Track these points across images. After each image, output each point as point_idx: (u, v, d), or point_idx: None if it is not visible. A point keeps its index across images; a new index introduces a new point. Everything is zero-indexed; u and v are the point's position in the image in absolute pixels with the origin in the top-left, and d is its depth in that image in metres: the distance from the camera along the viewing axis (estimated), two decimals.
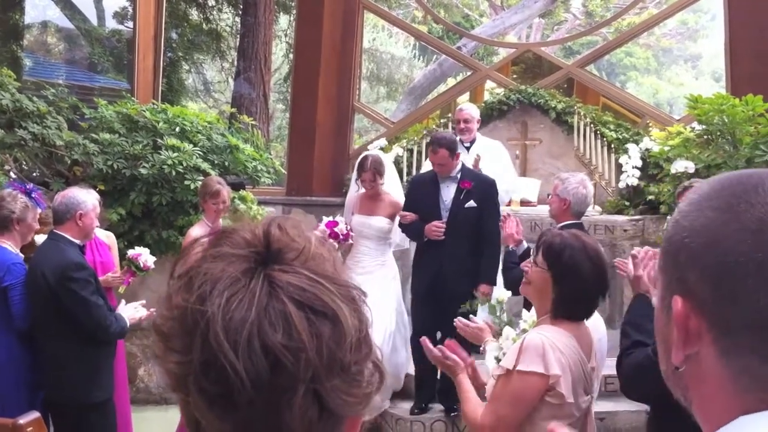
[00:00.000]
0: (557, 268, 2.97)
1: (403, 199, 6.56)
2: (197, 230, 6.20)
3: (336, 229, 6.25)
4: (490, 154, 7.22)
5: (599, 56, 10.55)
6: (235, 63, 15.23)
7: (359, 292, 1.00)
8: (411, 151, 9.33)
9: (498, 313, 3.98)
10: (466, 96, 11.02)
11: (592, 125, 8.75)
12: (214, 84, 18.34)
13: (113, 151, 7.36)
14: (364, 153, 6.57)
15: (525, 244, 5.32)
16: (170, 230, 7.23)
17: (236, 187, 7.45)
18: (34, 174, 7.93)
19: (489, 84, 10.90)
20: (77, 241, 4.63)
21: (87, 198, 4.69)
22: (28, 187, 5.28)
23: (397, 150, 9.40)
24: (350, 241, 6.42)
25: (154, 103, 8.29)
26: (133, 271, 5.63)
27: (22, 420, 3.63)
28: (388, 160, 6.61)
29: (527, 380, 2.79)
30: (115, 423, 4.75)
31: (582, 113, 8.85)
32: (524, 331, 3.35)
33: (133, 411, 5.99)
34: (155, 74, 10.06)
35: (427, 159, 8.60)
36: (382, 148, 9.69)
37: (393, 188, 6.70)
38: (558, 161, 9.10)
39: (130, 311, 4.80)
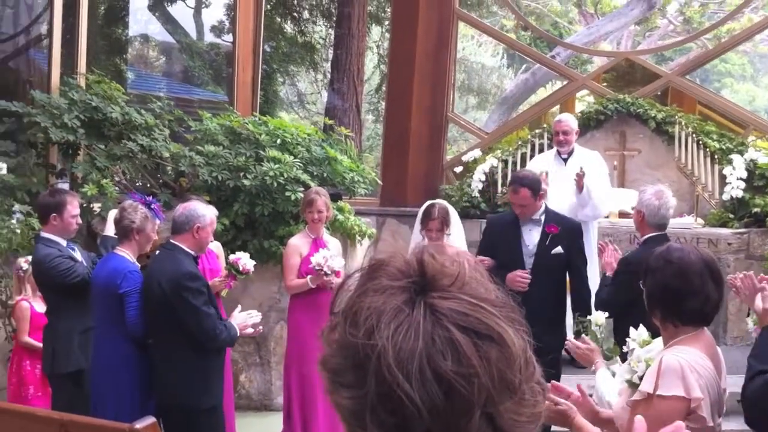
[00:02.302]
0: (645, 275, 2.98)
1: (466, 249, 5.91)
2: (297, 240, 6.35)
3: None
4: (588, 165, 7.13)
5: (700, 64, 10.28)
6: (328, 74, 15.47)
7: (518, 311, 1.02)
8: (506, 162, 9.30)
9: (599, 336, 3.93)
10: (557, 106, 10.92)
11: (693, 135, 8.56)
12: (306, 95, 18.65)
13: (217, 162, 7.58)
14: (430, 201, 6.05)
15: None
16: (271, 240, 7.39)
17: (334, 198, 7.57)
18: (138, 184, 8.24)
19: (579, 93, 10.76)
20: (192, 252, 4.79)
21: (206, 212, 4.86)
22: (148, 199, 5.50)
23: (492, 161, 9.37)
24: None
25: (256, 116, 8.50)
26: (234, 275, 5.80)
27: (138, 425, 3.77)
28: (454, 210, 6.12)
29: (669, 405, 2.71)
30: (223, 428, 4.88)
31: (683, 123, 8.66)
32: (634, 350, 3.30)
33: (235, 416, 6.16)
34: (254, 87, 10.33)
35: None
36: (476, 159, 9.69)
37: (458, 240, 6.00)
38: (657, 172, 8.91)
39: (243, 317, 4.94)
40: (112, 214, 5.34)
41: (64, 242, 5.41)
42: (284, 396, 6.45)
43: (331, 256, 6.09)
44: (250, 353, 7.60)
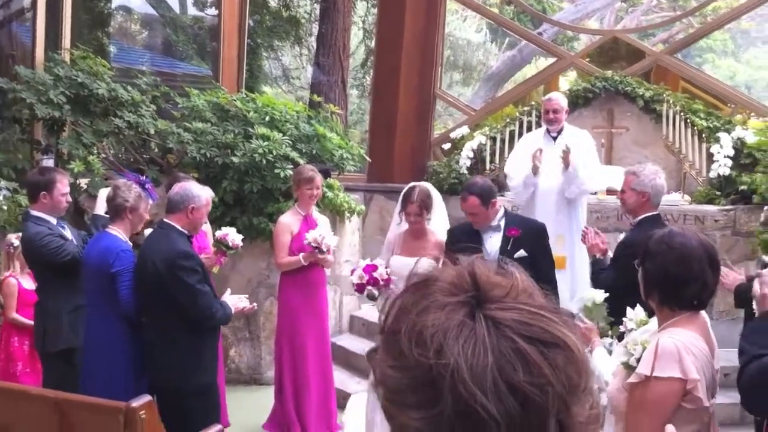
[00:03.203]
0: (644, 257, 3.00)
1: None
2: (288, 217, 6.35)
3: (375, 274, 5.47)
4: (577, 143, 7.14)
5: (688, 43, 10.29)
6: (313, 49, 15.34)
7: (571, 316, 1.03)
8: (494, 139, 9.30)
9: (594, 315, 3.95)
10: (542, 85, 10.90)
11: (681, 113, 8.59)
12: (291, 70, 18.51)
13: (206, 139, 7.53)
14: (411, 184, 5.77)
15: (610, 254, 5.24)
16: (260, 217, 7.39)
17: (323, 174, 7.55)
18: (124, 160, 8.17)
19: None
20: (186, 231, 4.77)
21: (201, 193, 4.84)
22: (141, 178, 5.46)
23: (480, 138, 9.37)
24: (392, 287, 5.46)
25: (244, 93, 8.44)
26: (223, 251, 5.82)
27: (135, 403, 3.78)
28: (437, 193, 5.85)
29: (665, 386, 2.75)
30: (218, 405, 4.90)
31: (671, 101, 8.69)
32: (632, 330, 3.32)
33: (226, 391, 6.18)
34: (239, 62, 10.25)
35: (512, 150, 8.58)
36: (464, 136, 9.69)
37: (440, 226, 5.79)
38: (645, 149, 8.96)
39: (234, 300, 4.93)
40: (103, 192, 5.30)
41: (54, 220, 5.37)
42: (275, 371, 6.48)
43: (326, 233, 6.10)
44: (239, 328, 7.62)
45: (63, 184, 5.40)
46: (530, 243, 5.28)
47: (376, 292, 5.49)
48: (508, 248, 5.19)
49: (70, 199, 5.58)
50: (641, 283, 3.03)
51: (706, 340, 2.89)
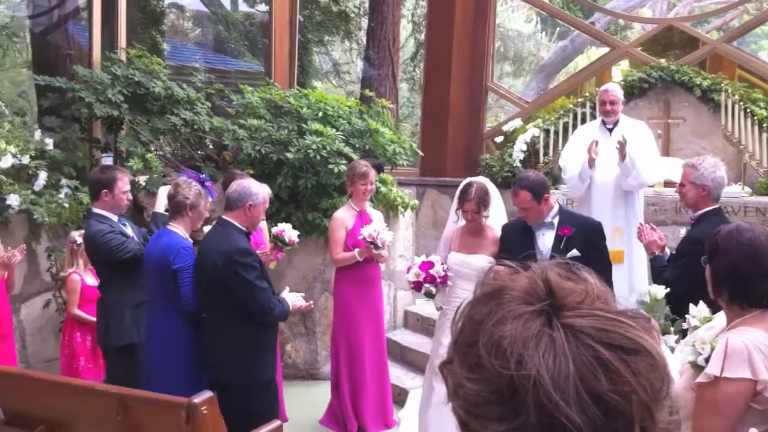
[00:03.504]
0: (712, 254, 2.93)
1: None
2: (342, 213, 6.37)
3: (432, 272, 5.41)
4: (633, 135, 7.02)
5: (747, 30, 10.05)
6: (362, 43, 15.35)
7: (648, 319, 1.01)
8: (547, 131, 9.20)
9: (657, 311, 3.87)
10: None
11: (740, 102, 8.39)
12: (341, 65, 18.56)
13: (260, 136, 7.59)
14: (468, 179, 5.66)
15: (667, 250, 5.13)
16: (315, 212, 7.42)
17: (377, 169, 7.56)
18: (180, 157, 8.29)
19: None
20: (244, 228, 4.81)
21: (259, 190, 4.88)
22: (201, 176, 5.53)
23: (533, 130, 9.29)
24: (449, 284, 5.50)
25: (297, 89, 8.48)
26: (280, 247, 5.87)
27: (197, 399, 3.82)
28: (494, 189, 5.71)
29: (735, 387, 2.68)
30: (277, 401, 4.93)
31: (729, 90, 8.50)
32: (695, 327, 3.26)
33: (283, 386, 6.23)
34: (291, 58, 10.30)
35: (566, 142, 8.47)
36: (516, 129, 9.61)
37: (498, 222, 5.69)
38: (703, 140, 8.78)
39: (293, 298, 4.97)
40: (164, 191, 5.38)
41: (115, 218, 5.47)
42: (332, 367, 6.52)
43: (381, 229, 6.11)
44: (295, 323, 7.67)
45: (124, 182, 5.49)
46: (584, 242, 5.06)
47: (433, 290, 5.45)
48: (561, 247, 5.01)
49: (131, 197, 5.68)
50: (709, 281, 2.96)
51: None
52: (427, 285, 5.41)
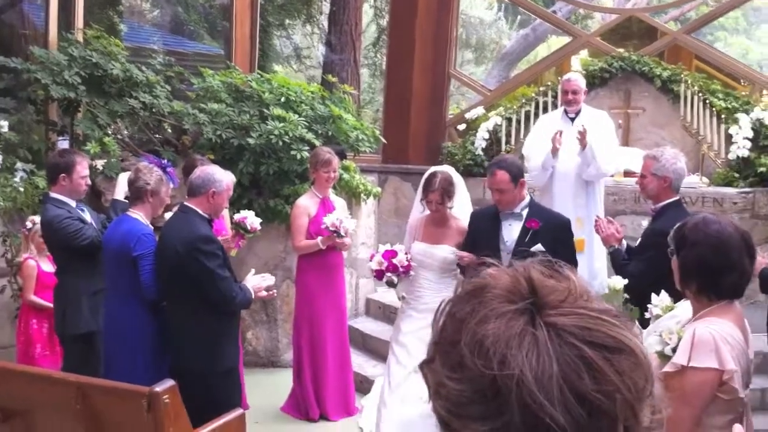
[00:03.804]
0: (679, 246, 2.96)
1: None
2: (305, 200, 6.32)
3: (395, 261, 5.33)
4: (594, 124, 7.08)
5: (708, 21, 10.16)
6: (324, 28, 15.24)
7: (630, 318, 1.01)
8: (509, 119, 9.23)
9: (615, 303, 3.91)
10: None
11: (699, 94, 8.50)
12: (302, 49, 18.42)
13: (221, 121, 7.48)
14: (433, 169, 5.57)
15: (625, 242, 5.14)
16: (277, 199, 7.35)
17: (339, 156, 7.51)
18: (139, 141, 8.14)
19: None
20: (206, 215, 4.74)
21: (223, 178, 4.81)
22: (163, 162, 5.43)
23: (496, 119, 9.31)
24: (411, 273, 5.43)
25: (259, 74, 8.37)
26: (242, 234, 5.80)
27: (158, 388, 3.77)
28: (459, 178, 5.65)
29: (702, 376, 2.73)
30: (239, 390, 4.88)
31: (689, 81, 8.60)
32: (657, 316, 3.29)
33: (244, 373, 6.17)
34: (252, 41, 10.16)
35: (528, 131, 8.50)
36: (479, 117, 9.62)
37: (463, 211, 5.65)
38: (662, 131, 8.89)
39: (257, 280, 4.91)
40: (123, 177, 5.28)
41: (73, 203, 5.36)
42: (294, 354, 6.49)
43: (344, 217, 6.08)
44: (256, 311, 7.61)
45: (83, 167, 5.38)
46: (551, 238, 4.95)
47: (395, 279, 5.40)
48: (526, 240, 4.95)
49: (89, 182, 5.57)
50: (677, 272, 2.99)
51: (740, 329, 2.87)
52: (389, 274, 5.37)
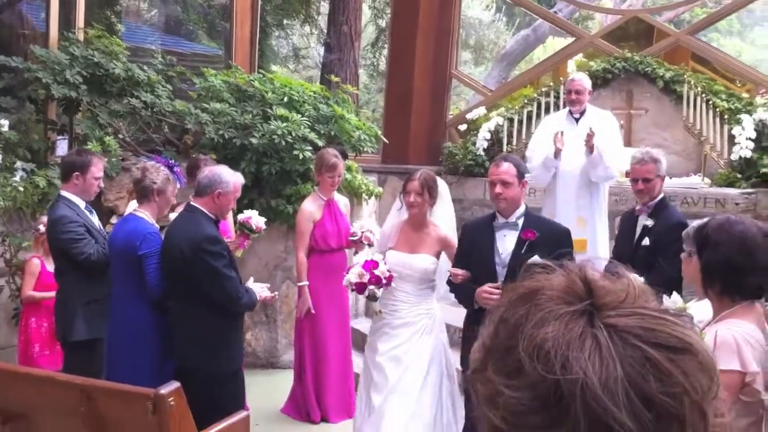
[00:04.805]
0: (702, 246, 2.93)
1: (454, 237, 5.18)
2: (310, 205, 6.23)
3: (377, 272, 4.87)
4: (600, 125, 7.04)
5: (712, 22, 10.14)
6: (324, 28, 15.20)
7: (691, 317, 0.97)
8: (511, 120, 9.20)
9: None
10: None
11: (702, 95, 8.48)
12: (300, 49, 18.39)
13: (223, 120, 7.44)
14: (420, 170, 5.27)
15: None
16: (279, 199, 7.30)
17: (342, 156, 7.48)
18: (139, 141, 8.09)
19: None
20: (212, 216, 4.69)
21: (230, 179, 4.76)
22: (170, 162, 5.39)
23: (497, 119, 9.28)
24: (393, 285, 4.98)
25: (261, 73, 8.33)
26: (246, 234, 5.75)
27: (164, 390, 3.72)
28: (444, 185, 5.32)
29: (724, 379, 2.68)
30: (243, 392, 4.84)
31: (692, 82, 8.58)
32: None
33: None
34: (252, 41, 10.12)
35: (530, 131, 8.47)
36: (480, 117, 9.59)
37: (445, 220, 5.25)
38: (665, 132, 8.86)
39: (257, 289, 4.87)
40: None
41: (83, 204, 5.28)
42: (295, 356, 6.44)
43: (371, 226, 6.10)
44: (256, 311, 7.52)
45: (98, 168, 5.31)
46: (547, 249, 4.29)
47: (378, 292, 4.93)
48: (522, 251, 4.57)
49: (102, 184, 5.49)
50: (701, 273, 2.95)
51: (761, 330, 2.84)
52: (371, 287, 4.88)
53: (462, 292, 4.77)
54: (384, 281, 4.90)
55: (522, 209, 4.74)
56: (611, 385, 0.84)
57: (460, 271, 4.72)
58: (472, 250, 4.77)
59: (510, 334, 0.93)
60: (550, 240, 4.56)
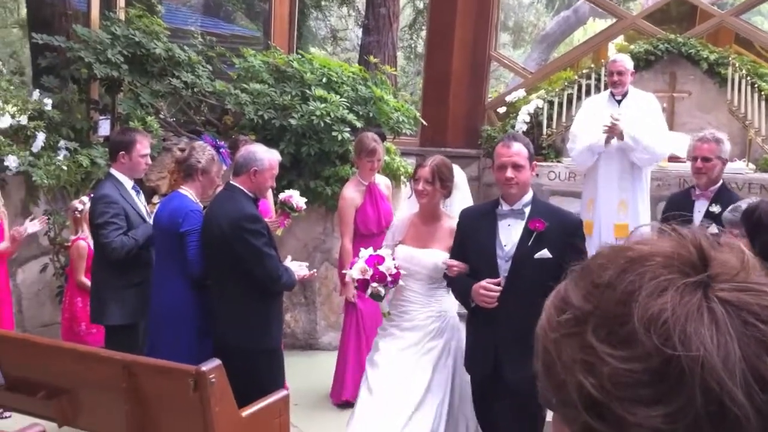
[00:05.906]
0: (756, 230, 2.87)
1: None
2: (351, 191, 6.17)
3: (381, 268, 4.41)
4: (641, 107, 6.94)
5: (754, 5, 9.90)
6: (362, 10, 15.14)
7: None
8: (551, 102, 9.10)
9: None
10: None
11: (747, 77, 8.31)
12: (338, 31, 18.35)
13: (263, 101, 7.45)
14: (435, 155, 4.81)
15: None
16: (317, 180, 7.30)
17: (381, 138, 7.45)
18: (181, 121, 8.14)
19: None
20: (251, 194, 4.71)
21: (265, 156, 4.75)
22: (218, 143, 5.41)
23: (537, 101, 9.18)
24: (401, 283, 4.55)
25: (300, 54, 8.32)
26: (287, 213, 5.77)
27: (205, 367, 3.76)
28: (462, 174, 4.85)
29: None
30: (283, 371, 4.86)
31: (737, 64, 8.41)
32: None
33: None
34: (291, 22, 10.10)
35: (571, 114, 8.37)
36: (519, 100, 9.50)
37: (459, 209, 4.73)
38: (708, 115, 8.70)
39: (295, 267, 4.87)
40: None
41: (130, 182, 5.30)
42: (342, 339, 6.36)
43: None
44: (295, 293, 7.58)
45: (143, 145, 5.31)
46: (558, 241, 4.05)
47: (382, 291, 4.49)
48: (529, 244, 4.09)
49: (149, 161, 5.49)
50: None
51: None
52: (374, 284, 4.44)
53: (459, 287, 4.34)
54: (389, 279, 4.44)
55: (529, 195, 4.22)
56: (730, 363, 0.80)
57: (456, 263, 4.31)
58: (471, 239, 4.29)
59: (618, 300, 0.87)
60: (562, 231, 4.11)
